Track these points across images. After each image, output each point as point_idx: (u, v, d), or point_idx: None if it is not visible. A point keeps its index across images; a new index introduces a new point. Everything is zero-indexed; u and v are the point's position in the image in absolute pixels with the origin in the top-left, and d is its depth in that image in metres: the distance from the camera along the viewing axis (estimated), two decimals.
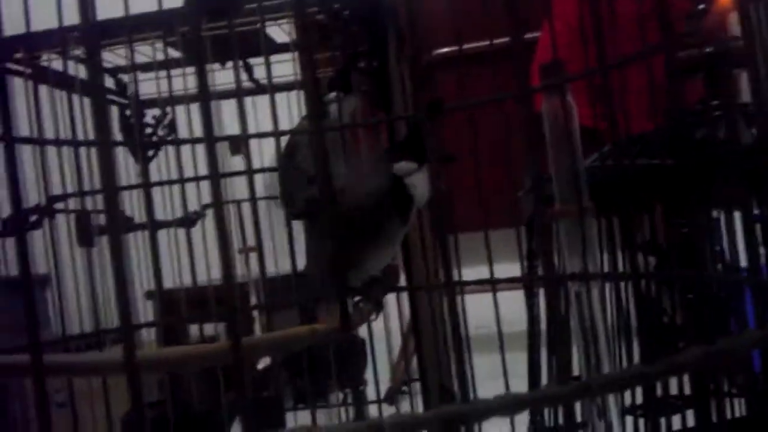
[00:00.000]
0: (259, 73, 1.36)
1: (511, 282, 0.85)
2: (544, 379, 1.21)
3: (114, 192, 0.28)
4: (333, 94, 0.96)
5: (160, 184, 1.00)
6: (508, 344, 0.84)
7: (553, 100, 0.70)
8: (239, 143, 1.50)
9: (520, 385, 0.89)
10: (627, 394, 1.05)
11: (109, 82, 1.38)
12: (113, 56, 1.25)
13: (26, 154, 1.00)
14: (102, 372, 0.46)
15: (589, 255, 0.70)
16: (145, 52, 1.18)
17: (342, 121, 0.96)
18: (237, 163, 1.39)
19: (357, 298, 0.79)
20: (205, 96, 0.32)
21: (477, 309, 0.92)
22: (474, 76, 0.85)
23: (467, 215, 0.87)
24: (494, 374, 0.84)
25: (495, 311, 0.80)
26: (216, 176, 0.29)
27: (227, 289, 0.30)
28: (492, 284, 0.80)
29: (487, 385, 0.85)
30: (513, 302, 1.11)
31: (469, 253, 0.91)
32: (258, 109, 1.34)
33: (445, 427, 0.23)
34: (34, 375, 0.28)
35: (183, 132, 1.32)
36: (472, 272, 0.90)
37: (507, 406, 0.24)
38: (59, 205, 1.13)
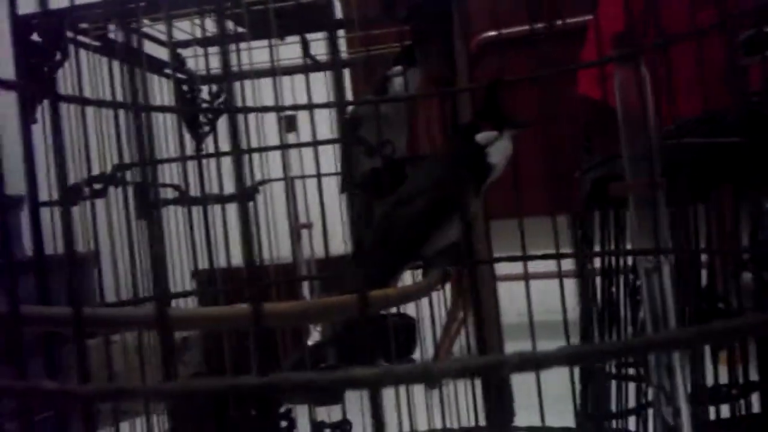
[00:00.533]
0: (314, 49, 1.36)
1: (573, 257, 0.84)
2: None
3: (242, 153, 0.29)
4: (398, 68, 0.96)
5: (229, 153, 1.00)
6: (553, 332, 0.84)
7: (626, 70, 0.68)
8: (294, 120, 1.50)
9: (565, 372, 0.88)
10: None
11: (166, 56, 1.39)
12: (174, 30, 1.25)
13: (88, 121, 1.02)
14: (227, 323, 0.46)
15: (660, 231, 0.69)
16: (208, 28, 1.19)
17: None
18: (292, 140, 1.40)
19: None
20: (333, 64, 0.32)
21: (520, 296, 0.92)
22: (515, 60, 0.85)
23: (528, 199, 0.86)
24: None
25: (560, 289, 0.80)
26: (346, 141, 0.29)
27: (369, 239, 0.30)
28: (557, 258, 0.79)
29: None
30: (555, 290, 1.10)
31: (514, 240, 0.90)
32: (313, 85, 1.34)
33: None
34: (160, 327, 0.28)
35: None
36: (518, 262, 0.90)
37: (595, 353, 0.24)
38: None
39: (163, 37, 1.25)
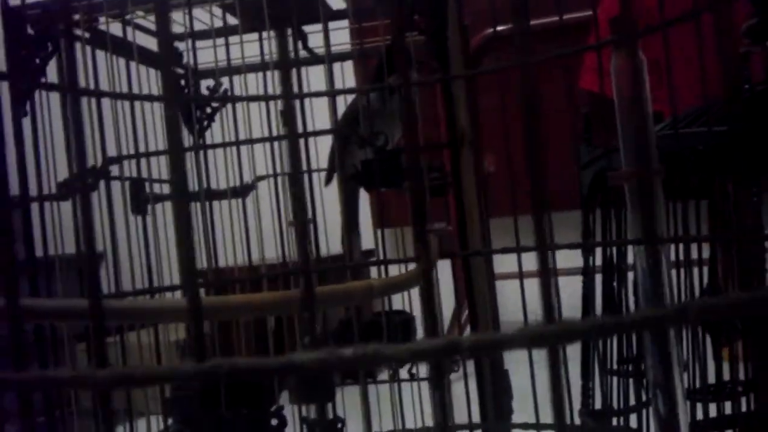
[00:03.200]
0: (313, 41, 1.34)
1: (569, 248, 0.81)
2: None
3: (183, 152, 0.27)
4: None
5: (217, 146, 0.99)
6: None
7: (622, 56, 0.66)
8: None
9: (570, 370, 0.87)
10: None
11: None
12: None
13: (83, 116, 1.01)
14: (164, 317, 0.45)
15: (657, 220, 0.67)
16: (201, 18, 1.17)
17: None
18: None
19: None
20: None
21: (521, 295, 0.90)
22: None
23: (523, 195, 0.84)
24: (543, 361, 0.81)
25: (555, 284, 0.78)
26: (294, 136, 0.27)
27: (299, 236, 0.28)
28: (551, 251, 0.77)
29: (537, 371, 0.83)
30: (565, 288, 1.08)
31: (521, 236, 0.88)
32: (312, 79, 1.32)
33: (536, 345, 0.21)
34: (92, 319, 0.27)
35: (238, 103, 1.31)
36: (524, 258, 0.87)
37: (598, 328, 0.22)
38: (115, 171, 1.13)
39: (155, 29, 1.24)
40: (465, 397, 0.94)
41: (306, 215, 0.23)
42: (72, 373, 0.26)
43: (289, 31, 1.16)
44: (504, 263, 1.02)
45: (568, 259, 1.06)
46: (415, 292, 0.92)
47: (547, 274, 0.23)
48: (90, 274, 0.28)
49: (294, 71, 1.06)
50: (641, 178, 0.25)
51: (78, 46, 1.04)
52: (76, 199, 1.06)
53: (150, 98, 0.89)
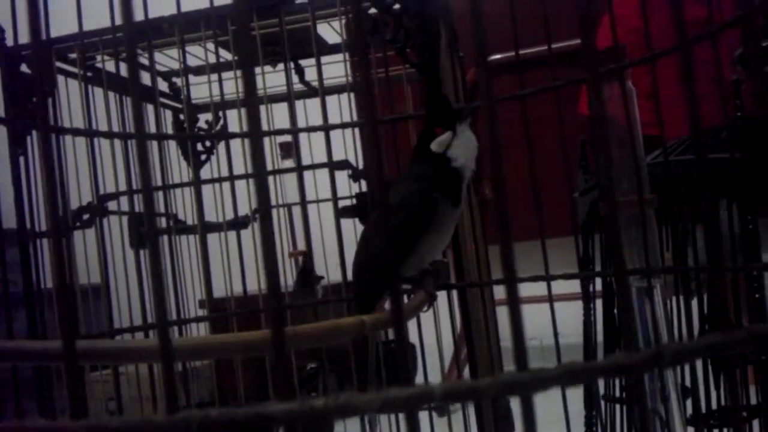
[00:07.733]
0: (310, 75, 1.35)
1: (567, 278, 0.81)
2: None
3: (150, 189, 0.27)
4: None
5: (210, 181, 0.99)
6: (563, 355, 0.81)
7: (612, 86, 0.67)
8: (290, 147, 1.49)
9: (574, 398, 0.86)
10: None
11: (162, 86, 1.38)
12: (167, 60, 1.25)
13: (81, 153, 1.01)
14: (138, 358, 0.44)
15: (651, 249, 0.67)
16: (197, 54, 1.18)
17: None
18: (289, 166, 1.39)
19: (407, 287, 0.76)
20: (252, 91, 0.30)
21: (527, 320, 0.89)
22: (531, 81, 0.83)
23: (520, 222, 0.83)
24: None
25: (551, 310, 0.77)
26: (262, 174, 0.27)
27: (270, 269, 0.28)
28: (547, 280, 0.77)
29: (538, 397, 0.82)
30: (566, 313, 1.07)
31: (521, 263, 0.86)
32: (309, 112, 1.33)
33: (504, 394, 0.21)
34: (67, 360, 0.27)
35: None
36: (524, 285, 0.87)
37: (570, 375, 0.22)
38: (113, 206, 1.13)
39: (158, 67, 1.25)
40: (463, 423, 0.94)
41: (275, 255, 0.23)
42: (47, 423, 0.25)
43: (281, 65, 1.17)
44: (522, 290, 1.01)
45: (571, 282, 1.06)
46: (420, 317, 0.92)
47: (518, 315, 0.23)
48: (64, 316, 0.28)
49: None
50: (609, 211, 0.25)
51: (70, 83, 1.05)
52: (60, 235, 1.07)
53: (122, 136, 0.90)
